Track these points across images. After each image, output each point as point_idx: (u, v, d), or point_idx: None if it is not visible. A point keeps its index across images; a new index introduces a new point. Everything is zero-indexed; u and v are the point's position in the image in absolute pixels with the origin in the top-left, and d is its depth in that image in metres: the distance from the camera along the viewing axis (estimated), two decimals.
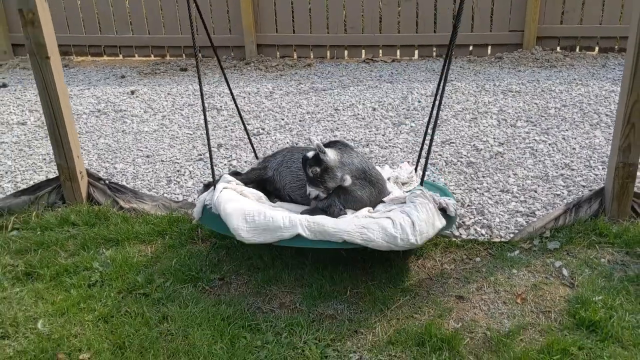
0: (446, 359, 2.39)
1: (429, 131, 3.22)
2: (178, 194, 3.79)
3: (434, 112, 3.04)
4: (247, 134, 3.67)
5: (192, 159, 4.26)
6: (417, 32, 6.97)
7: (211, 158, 3.06)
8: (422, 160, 3.87)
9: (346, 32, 7.08)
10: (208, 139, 2.99)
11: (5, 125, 5.08)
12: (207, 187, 3.22)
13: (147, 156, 4.33)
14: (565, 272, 2.91)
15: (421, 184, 2.95)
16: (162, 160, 4.25)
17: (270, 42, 7.17)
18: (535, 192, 3.57)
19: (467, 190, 3.64)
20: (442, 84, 2.89)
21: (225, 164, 4.15)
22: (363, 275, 2.95)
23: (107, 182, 3.77)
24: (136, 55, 7.56)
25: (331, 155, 2.86)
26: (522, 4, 6.59)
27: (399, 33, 7.00)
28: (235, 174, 3.30)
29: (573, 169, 3.80)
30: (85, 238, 3.30)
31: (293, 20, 7.11)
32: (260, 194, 3.12)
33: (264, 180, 3.26)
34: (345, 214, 2.90)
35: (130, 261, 3.08)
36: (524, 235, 3.18)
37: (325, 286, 2.87)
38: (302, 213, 2.89)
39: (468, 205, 3.48)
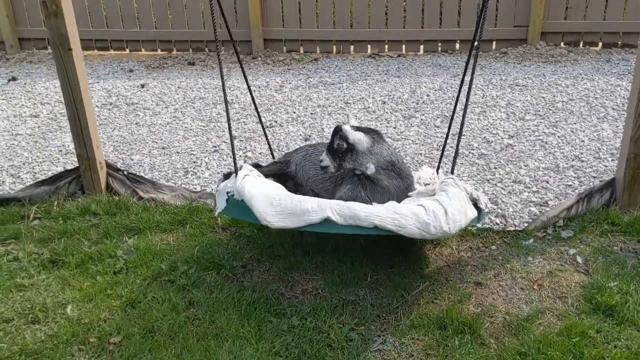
0: (468, 341, 2.46)
1: (456, 129, 3.26)
2: (196, 185, 3.85)
3: (456, 106, 3.09)
4: (263, 127, 3.72)
5: (207, 150, 4.32)
6: (422, 28, 7.04)
7: (232, 146, 3.01)
8: (447, 153, 3.94)
9: (352, 27, 7.14)
10: (229, 128, 2.91)
11: (19, 118, 5.13)
12: (226, 177, 3.08)
13: (163, 148, 4.39)
14: (579, 259, 2.98)
15: (452, 172, 2.85)
16: (178, 152, 4.31)
17: (277, 36, 7.22)
18: (547, 182, 3.65)
19: (480, 181, 3.71)
20: (468, 89, 2.83)
21: (240, 156, 4.21)
22: (382, 263, 3.02)
23: (125, 172, 3.83)
24: (143, 49, 7.61)
25: (362, 138, 2.80)
26: (526, 0, 6.66)
27: (405, 28, 7.06)
28: (256, 165, 3.24)
29: (583, 161, 3.88)
30: (107, 227, 3.35)
31: (300, 15, 7.16)
32: (282, 187, 2.92)
33: (284, 175, 3.21)
34: (370, 203, 2.81)
35: (153, 249, 3.15)
36: (537, 224, 3.26)
37: (346, 273, 2.94)
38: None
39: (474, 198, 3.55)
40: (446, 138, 3.44)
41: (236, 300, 2.74)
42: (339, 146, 2.82)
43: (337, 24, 7.14)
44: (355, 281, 2.89)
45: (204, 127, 4.75)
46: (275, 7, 7.13)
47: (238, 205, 2.73)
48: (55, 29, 3.36)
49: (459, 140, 2.92)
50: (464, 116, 2.88)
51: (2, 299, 2.81)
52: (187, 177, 3.95)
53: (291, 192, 2.92)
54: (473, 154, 4.05)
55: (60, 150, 4.42)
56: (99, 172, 3.70)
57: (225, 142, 4.45)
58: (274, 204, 2.60)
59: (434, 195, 2.80)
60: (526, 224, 3.29)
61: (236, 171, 2.89)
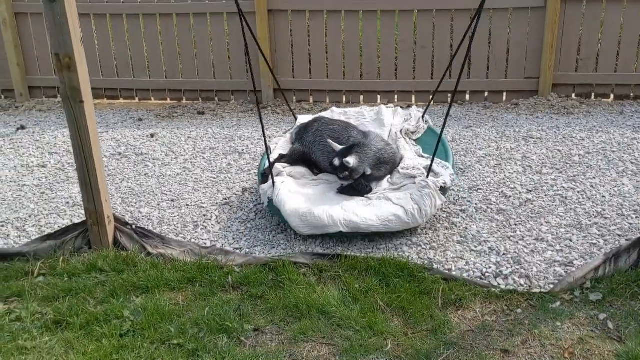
0: None
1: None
2: (206, 240, 3.74)
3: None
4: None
5: (217, 203, 4.22)
6: (432, 79, 7.02)
7: (267, 149, 3.86)
8: (479, 205, 3.87)
9: (362, 78, 7.13)
10: (264, 133, 3.73)
11: (26, 168, 5.06)
12: (263, 176, 3.91)
13: (172, 200, 4.29)
14: (610, 325, 2.84)
15: (427, 176, 3.71)
16: (187, 205, 4.20)
17: (287, 86, 7.19)
18: (571, 241, 3.52)
19: (500, 239, 3.58)
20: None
21: (251, 208, 4.11)
22: (404, 327, 2.88)
23: (133, 227, 3.72)
24: (152, 98, 7.59)
25: (353, 161, 3.69)
26: (537, 52, 6.65)
27: (415, 79, 7.05)
28: (280, 157, 4.13)
29: (606, 218, 3.76)
30: (114, 285, 3.23)
31: (310, 66, 7.16)
32: (304, 170, 4.10)
33: (303, 154, 4.18)
34: (371, 189, 3.84)
35: (161, 310, 3.01)
36: (564, 285, 3.12)
37: (365, 338, 2.79)
38: (337, 190, 3.86)
39: (503, 254, 3.42)
40: (441, 80, 4.76)
41: None
42: (344, 176, 3.76)
43: (347, 74, 7.13)
44: (376, 347, 2.74)
45: (214, 178, 4.66)
46: (285, 58, 7.13)
47: (277, 210, 3.70)
48: (67, 82, 3.31)
49: (436, 149, 3.71)
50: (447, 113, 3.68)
51: None
52: (196, 232, 3.84)
53: (309, 167, 4.16)
54: (491, 209, 3.94)
55: (67, 202, 4.32)
56: (107, 226, 3.59)
57: (235, 194, 4.35)
58: (303, 220, 3.56)
59: (413, 182, 3.77)
60: (552, 285, 3.14)
61: (273, 181, 3.78)
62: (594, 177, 4.38)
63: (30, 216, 4.13)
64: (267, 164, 3.98)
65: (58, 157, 5.30)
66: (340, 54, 7.09)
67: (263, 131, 3.71)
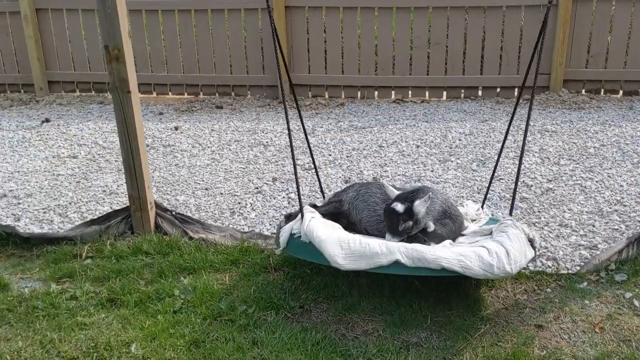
0: None
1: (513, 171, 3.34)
2: (243, 225, 3.89)
3: (503, 145, 3.18)
4: (315, 166, 3.82)
5: (250, 192, 4.37)
6: (445, 74, 7.19)
7: (298, 188, 3.14)
8: (502, 193, 4.01)
9: (377, 74, 7.29)
10: (294, 167, 3.06)
11: (57, 159, 5.20)
12: (288, 218, 3.24)
13: (206, 189, 4.44)
14: (636, 302, 3.00)
15: (510, 213, 3.11)
16: (221, 193, 4.36)
17: (303, 82, 7.36)
18: (593, 226, 3.69)
19: (526, 225, 3.74)
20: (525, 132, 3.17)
21: (283, 197, 4.27)
22: (440, 305, 3.04)
23: (174, 213, 3.87)
24: (170, 93, 7.75)
25: (421, 207, 2.91)
26: (549, 48, 6.82)
27: (428, 75, 7.21)
28: (313, 206, 3.33)
29: (625, 205, 3.93)
30: (161, 266, 3.38)
31: (325, 62, 7.32)
32: (339, 226, 3.11)
33: (339, 213, 3.28)
34: (429, 242, 2.98)
35: (210, 289, 3.17)
36: (590, 267, 3.29)
37: (406, 314, 2.95)
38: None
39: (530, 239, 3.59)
40: (492, 175, 3.68)
41: (300, 341, 2.75)
42: (407, 227, 2.90)
43: (362, 70, 7.29)
44: (416, 323, 2.90)
45: (243, 168, 4.82)
46: (301, 54, 7.29)
47: (303, 246, 2.95)
48: (115, 73, 3.46)
49: (516, 183, 3.14)
50: (520, 159, 3.19)
51: (65, 337, 2.82)
52: (233, 218, 3.99)
53: (346, 229, 3.12)
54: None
55: (104, 191, 4.47)
56: (149, 212, 3.75)
57: (266, 183, 4.51)
58: (343, 247, 2.77)
59: (490, 234, 3.03)
60: (578, 267, 3.32)
61: (302, 214, 3.05)
62: (610, 168, 4.55)
63: (70, 203, 4.28)
64: (281, 222, 3.23)
65: (87, 148, 5.44)
66: (356, 50, 7.25)
67: (288, 128, 3.13)
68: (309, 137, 5.30)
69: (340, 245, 2.76)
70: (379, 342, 2.76)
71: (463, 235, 3.19)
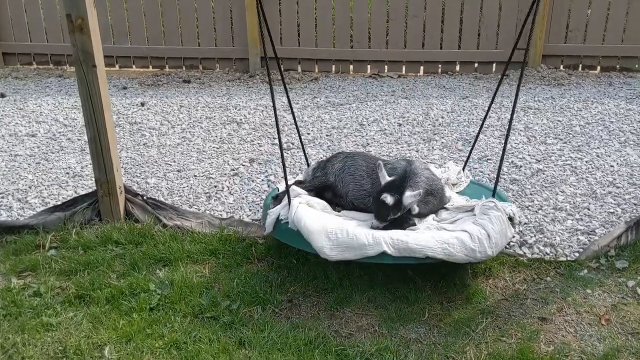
0: None
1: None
2: (221, 211, 3.63)
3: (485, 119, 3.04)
4: (302, 145, 3.62)
5: (226, 174, 4.10)
6: (423, 48, 6.97)
7: (285, 170, 3.00)
8: (492, 175, 3.85)
9: (352, 47, 7.03)
10: (281, 148, 2.94)
11: (15, 137, 4.82)
12: (275, 199, 3.19)
13: (178, 171, 4.15)
14: None
15: (493, 195, 3.10)
16: (195, 176, 4.08)
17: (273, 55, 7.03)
18: (589, 209, 3.55)
19: (519, 208, 3.59)
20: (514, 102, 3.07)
21: (262, 179, 4.01)
22: (437, 296, 2.86)
23: (145, 197, 3.59)
24: (134, 66, 7.34)
25: (411, 198, 2.86)
26: (528, 23, 6.65)
27: (405, 49, 6.98)
28: (298, 182, 3.32)
29: (618, 187, 3.81)
30: (134, 258, 3.11)
31: (298, 34, 7.01)
32: (325, 203, 3.13)
33: (325, 186, 3.23)
34: (414, 224, 2.98)
35: (189, 283, 2.92)
36: (589, 254, 3.15)
37: (402, 308, 2.76)
38: (372, 227, 2.89)
39: (525, 224, 3.43)
40: (476, 138, 3.60)
41: (291, 340, 2.54)
42: (394, 217, 2.88)
43: (337, 43, 7.02)
44: (413, 317, 2.72)
45: (217, 148, 4.53)
46: (273, 25, 6.95)
47: (290, 233, 2.88)
48: (79, 45, 3.13)
49: (501, 163, 3.06)
50: (506, 140, 3.08)
51: (29, 340, 2.55)
52: (210, 203, 3.73)
53: (330, 202, 3.17)
54: (505, 179, 3.94)
55: (67, 173, 4.14)
56: (118, 197, 3.45)
57: (243, 165, 4.24)
58: (331, 238, 2.73)
59: (471, 211, 3.06)
60: (577, 254, 3.17)
61: (289, 200, 2.94)
62: (598, 147, 4.43)
63: (30, 187, 3.94)
64: (270, 204, 3.19)
65: (47, 125, 5.06)
66: (330, 22, 6.96)
67: (280, 146, 2.98)
68: (287, 114, 5.05)
69: (328, 237, 2.73)
70: (376, 340, 2.57)
71: (446, 209, 3.17)
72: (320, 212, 2.98)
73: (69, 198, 3.70)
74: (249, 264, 3.12)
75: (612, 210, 3.54)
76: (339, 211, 3.16)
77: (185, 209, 3.59)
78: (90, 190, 3.83)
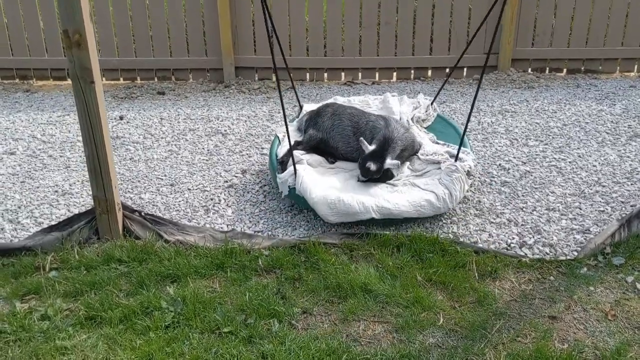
0: None
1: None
2: (221, 224, 3.61)
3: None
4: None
5: (220, 186, 4.08)
6: (395, 55, 7.06)
7: (287, 132, 3.59)
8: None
9: (326, 55, 7.07)
10: (285, 123, 3.52)
11: None
12: (281, 164, 3.80)
13: (171, 185, 4.10)
14: (639, 286, 2.99)
15: (456, 160, 3.72)
16: (189, 189, 4.04)
17: (249, 64, 7.03)
18: (580, 209, 3.68)
19: (514, 210, 3.69)
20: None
21: (257, 190, 4.01)
22: (449, 301, 2.92)
23: (143, 214, 3.54)
24: (104, 79, 7.20)
25: (391, 164, 3.63)
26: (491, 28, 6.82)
27: (378, 56, 7.06)
28: (296, 143, 3.95)
29: (604, 186, 3.95)
30: (140, 275, 3.06)
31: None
32: (320, 158, 3.92)
33: (320, 142, 3.98)
34: (393, 175, 3.73)
35: (201, 298, 2.90)
36: (587, 252, 3.26)
37: (416, 313, 2.81)
38: (359, 178, 3.69)
39: (522, 225, 3.53)
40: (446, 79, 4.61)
41: (313, 351, 2.56)
42: (377, 175, 3.65)
43: (310, 51, 7.05)
44: (429, 322, 2.76)
45: (206, 160, 4.50)
46: (246, 34, 6.94)
47: (300, 198, 3.56)
48: (76, 61, 3.07)
49: (464, 133, 3.84)
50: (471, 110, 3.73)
51: None
52: (209, 216, 3.70)
53: (323, 154, 3.97)
54: (495, 181, 4.04)
55: (56, 191, 4.04)
56: (117, 214, 3.39)
57: (236, 176, 4.22)
58: (332, 208, 3.41)
59: (438, 167, 3.77)
60: (575, 253, 3.28)
61: (295, 168, 3.58)
62: (579, 148, 4.58)
63: (19, 207, 3.83)
64: (279, 150, 3.91)
65: (25, 143, 4.93)
66: (304, 30, 6.99)
67: (283, 111, 3.55)
68: (270, 123, 5.05)
69: (329, 207, 3.41)
70: (397, 346, 2.60)
71: (418, 158, 3.93)
72: (320, 177, 3.69)
73: (62, 217, 3.62)
74: (257, 276, 3.11)
75: (602, 209, 3.67)
76: (332, 162, 3.94)
77: (185, 224, 3.56)
78: (83, 207, 3.76)
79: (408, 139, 3.87)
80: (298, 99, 4.84)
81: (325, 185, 3.60)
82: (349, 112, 4.04)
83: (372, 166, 3.59)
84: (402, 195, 3.54)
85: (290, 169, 3.62)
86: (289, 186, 3.59)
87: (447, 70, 7.08)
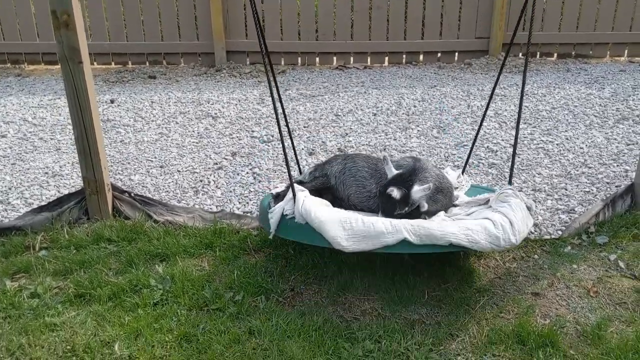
0: (552, 354, 2.43)
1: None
2: (210, 205, 3.64)
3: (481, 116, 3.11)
4: (294, 148, 3.55)
5: (209, 168, 4.10)
6: (387, 40, 7.08)
7: (288, 165, 2.86)
8: (471, 160, 3.94)
9: (317, 39, 7.08)
10: (283, 145, 2.81)
11: None
12: (276, 198, 3.01)
13: (161, 166, 4.12)
14: (621, 264, 3.04)
15: (509, 182, 2.99)
16: (179, 171, 4.06)
17: (240, 48, 7.04)
18: (566, 189, 3.72)
19: (523, 192, 3.72)
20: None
21: (247, 172, 4.03)
22: (435, 279, 2.95)
23: (132, 194, 3.56)
24: (95, 63, 7.19)
25: (418, 196, 2.75)
26: (488, 13, 6.85)
27: (370, 40, 7.08)
28: (299, 182, 3.09)
29: (590, 167, 3.99)
30: (130, 254, 3.09)
31: (264, 27, 7.01)
32: (328, 203, 2.92)
33: (325, 189, 3.08)
34: (425, 207, 2.82)
35: (189, 276, 2.92)
36: (571, 231, 3.31)
37: (402, 291, 2.84)
38: None
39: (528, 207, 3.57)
40: (473, 143, 3.54)
41: (299, 326, 2.59)
42: (403, 212, 2.74)
43: (302, 35, 7.05)
44: (414, 299, 2.80)
45: (196, 143, 4.52)
46: (238, 18, 6.94)
47: (297, 228, 2.70)
48: (65, 41, 3.08)
49: (514, 153, 3.05)
50: (517, 128, 2.91)
51: (35, 341, 2.52)
52: (198, 197, 3.73)
53: (334, 205, 2.95)
54: (483, 163, 4.08)
55: (47, 173, 4.06)
56: (107, 194, 3.42)
57: (226, 158, 4.24)
58: (346, 228, 2.57)
59: (486, 204, 2.97)
60: (560, 232, 3.33)
61: (294, 193, 2.79)
62: (567, 130, 4.62)
63: (10, 188, 3.84)
64: (270, 203, 2.98)
65: (16, 126, 4.93)
66: (295, 15, 6.99)
67: (274, 104, 2.84)
68: (261, 106, 5.07)
69: (342, 226, 2.55)
70: (382, 322, 2.64)
71: (456, 205, 3.10)
72: (327, 207, 2.80)
73: (52, 198, 3.64)
74: (246, 255, 3.15)
75: (587, 190, 3.72)
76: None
77: (175, 204, 3.59)
78: (73, 189, 3.78)
79: (445, 181, 3.01)
80: (278, 89, 3.45)
81: (334, 211, 2.76)
82: (364, 155, 3.19)
83: (395, 192, 2.70)
84: (444, 222, 2.71)
85: (288, 196, 2.84)
86: (284, 214, 2.76)
87: (439, 54, 7.11)
